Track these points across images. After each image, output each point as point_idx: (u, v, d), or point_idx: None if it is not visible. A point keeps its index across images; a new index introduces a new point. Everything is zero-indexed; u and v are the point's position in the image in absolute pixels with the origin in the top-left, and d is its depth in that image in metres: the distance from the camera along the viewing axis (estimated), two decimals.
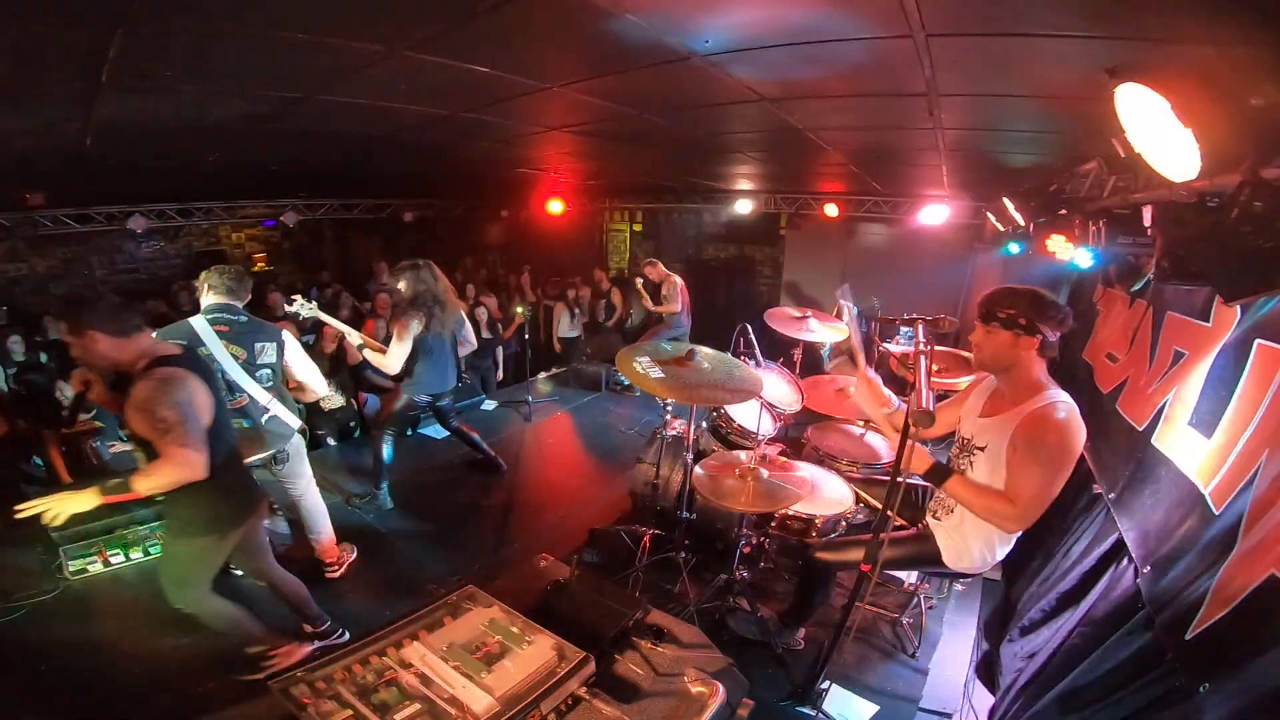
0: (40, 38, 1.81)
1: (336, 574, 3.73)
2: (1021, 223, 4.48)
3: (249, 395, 3.22)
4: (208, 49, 2.04)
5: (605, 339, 8.25)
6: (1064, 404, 2.13)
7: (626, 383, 7.12)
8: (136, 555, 3.77)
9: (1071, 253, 3.85)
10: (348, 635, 3.22)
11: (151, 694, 2.84)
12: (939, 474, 2.23)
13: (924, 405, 1.68)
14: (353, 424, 5.72)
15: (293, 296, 4.24)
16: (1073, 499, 3.12)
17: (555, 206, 8.87)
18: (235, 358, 3.16)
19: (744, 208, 7.97)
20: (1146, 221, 2.87)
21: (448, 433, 4.95)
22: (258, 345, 3.24)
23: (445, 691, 1.43)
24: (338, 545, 3.79)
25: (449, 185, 8.23)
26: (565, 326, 8.40)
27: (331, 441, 5.56)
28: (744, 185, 7.66)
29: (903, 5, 1.86)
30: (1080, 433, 2.11)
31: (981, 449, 2.27)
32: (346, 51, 2.20)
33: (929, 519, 2.56)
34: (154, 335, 2.85)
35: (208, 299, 3.25)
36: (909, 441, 1.98)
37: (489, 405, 6.57)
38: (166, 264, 8.79)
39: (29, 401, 4.92)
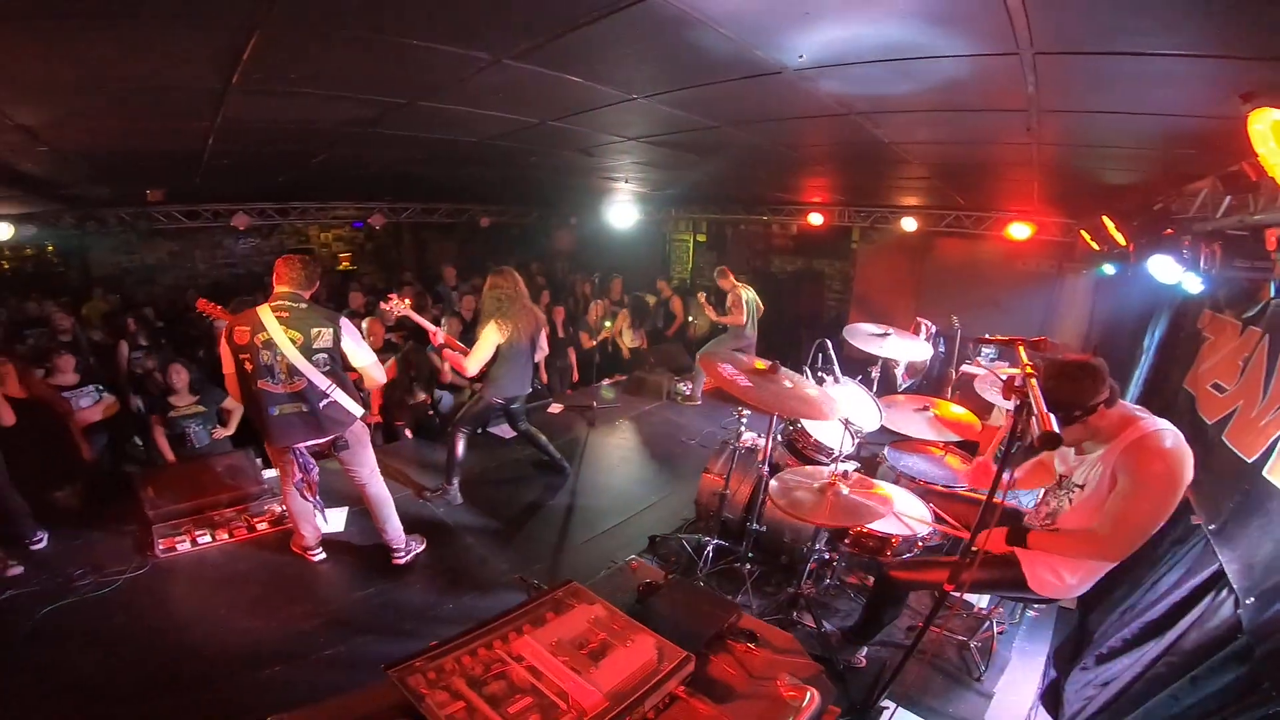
0: (184, 39, 1.96)
1: (402, 561, 3.84)
2: (1122, 242, 4.23)
3: (308, 379, 3.30)
4: (332, 53, 2.18)
5: (668, 349, 8.27)
6: (1169, 432, 2.09)
7: (688, 393, 7.12)
8: (223, 536, 3.97)
9: (1178, 275, 3.62)
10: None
11: (218, 673, 2.96)
12: (1018, 538, 2.25)
13: (1050, 427, 1.60)
14: (429, 416, 5.92)
15: (388, 295, 4.46)
16: (1167, 529, 2.98)
17: (622, 215, 8.99)
18: (293, 341, 3.25)
19: (815, 220, 7.85)
20: (1270, 245, 2.71)
21: (516, 433, 5.06)
22: (313, 330, 3.32)
23: (554, 685, 1.46)
24: (407, 536, 3.90)
25: (523, 192, 8.47)
26: (630, 336, 8.47)
27: (409, 434, 5.77)
28: (816, 197, 7.55)
29: (1012, 24, 1.83)
30: (1187, 461, 2.05)
31: (1080, 486, 2.24)
32: (456, 59, 2.31)
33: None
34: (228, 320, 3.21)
35: (276, 286, 3.38)
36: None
37: (555, 408, 6.68)
38: (260, 260, 9.40)
39: (140, 383, 5.32)
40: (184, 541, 3.87)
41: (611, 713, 1.39)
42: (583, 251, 11.43)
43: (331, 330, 3.36)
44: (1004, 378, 1.89)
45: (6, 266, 8.47)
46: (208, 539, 3.93)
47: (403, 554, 3.85)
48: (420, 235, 10.73)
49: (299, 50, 2.12)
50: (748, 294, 6.94)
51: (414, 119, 3.28)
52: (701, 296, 7.20)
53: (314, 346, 3.30)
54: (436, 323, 5.20)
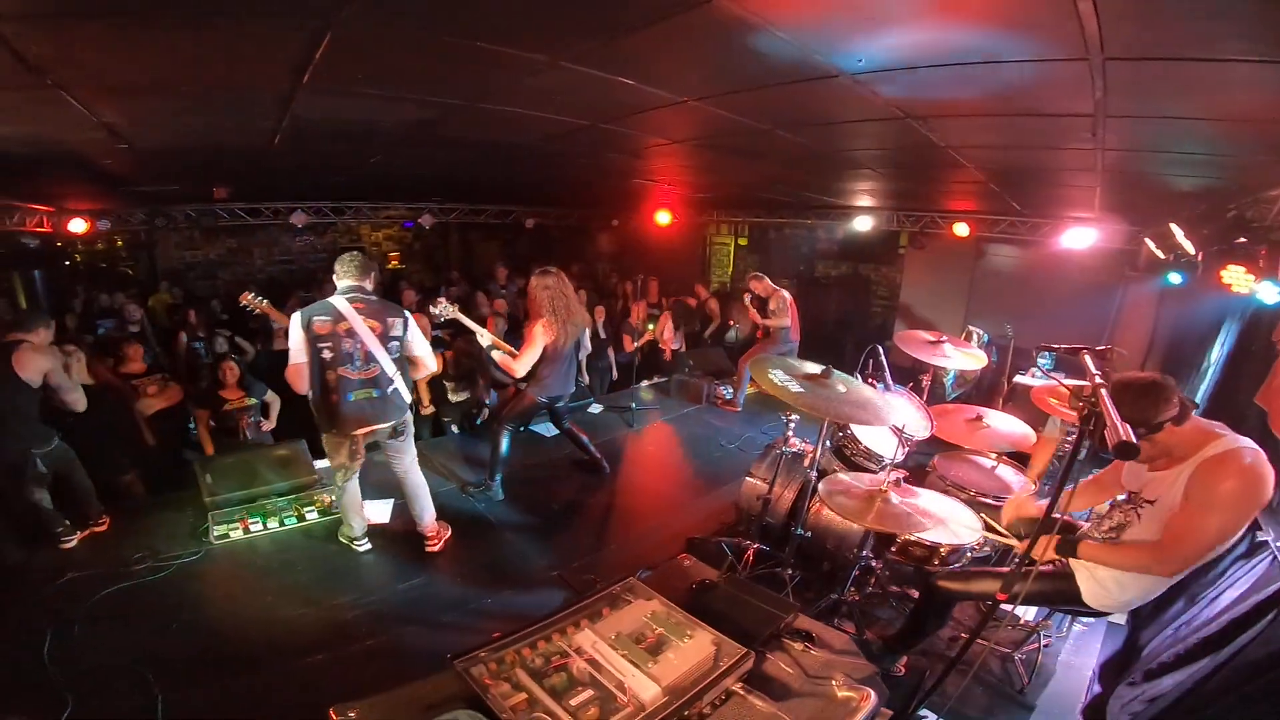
0: (261, 39, 2.04)
1: (435, 548, 3.94)
2: (1191, 250, 4.04)
3: (380, 366, 3.48)
4: (399, 55, 2.24)
5: (707, 352, 8.24)
6: (1249, 449, 2.01)
7: (729, 396, 7.07)
8: (273, 525, 4.08)
9: (1252, 286, 3.45)
10: None
11: (263, 660, 3.04)
12: (1068, 548, 2.21)
13: (1127, 436, 1.55)
14: (474, 412, 6.03)
15: (438, 299, 4.57)
16: (1231, 545, 2.87)
17: (663, 217, 9.00)
18: (372, 330, 3.43)
19: (863, 224, 7.72)
20: None
21: (557, 431, 5.11)
22: (390, 319, 3.52)
23: (614, 678, 1.47)
24: (436, 523, 4.01)
25: (568, 194, 8.56)
26: (671, 338, 8.47)
27: (455, 429, 5.88)
28: (864, 201, 7.43)
29: (1083, 31, 1.79)
30: (1266, 481, 1.97)
31: (1151, 502, 2.17)
32: (515, 61, 2.35)
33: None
34: (301, 311, 3.31)
35: (341, 281, 3.53)
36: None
37: (595, 409, 6.72)
38: (314, 257, 9.72)
39: (195, 374, 5.56)
40: (237, 529, 3.99)
41: (670, 707, 1.40)
42: (624, 253, 11.48)
43: (402, 320, 3.58)
44: (1069, 388, 1.84)
45: (80, 260, 8.97)
46: (259, 527, 4.04)
47: (436, 542, 3.96)
48: (466, 235, 10.95)
49: (368, 51, 2.19)
50: (789, 296, 6.84)
51: (471, 120, 3.35)
52: (746, 298, 7.11)
53: (390, 335, 3.51)
54: (483, 322, 5.30)
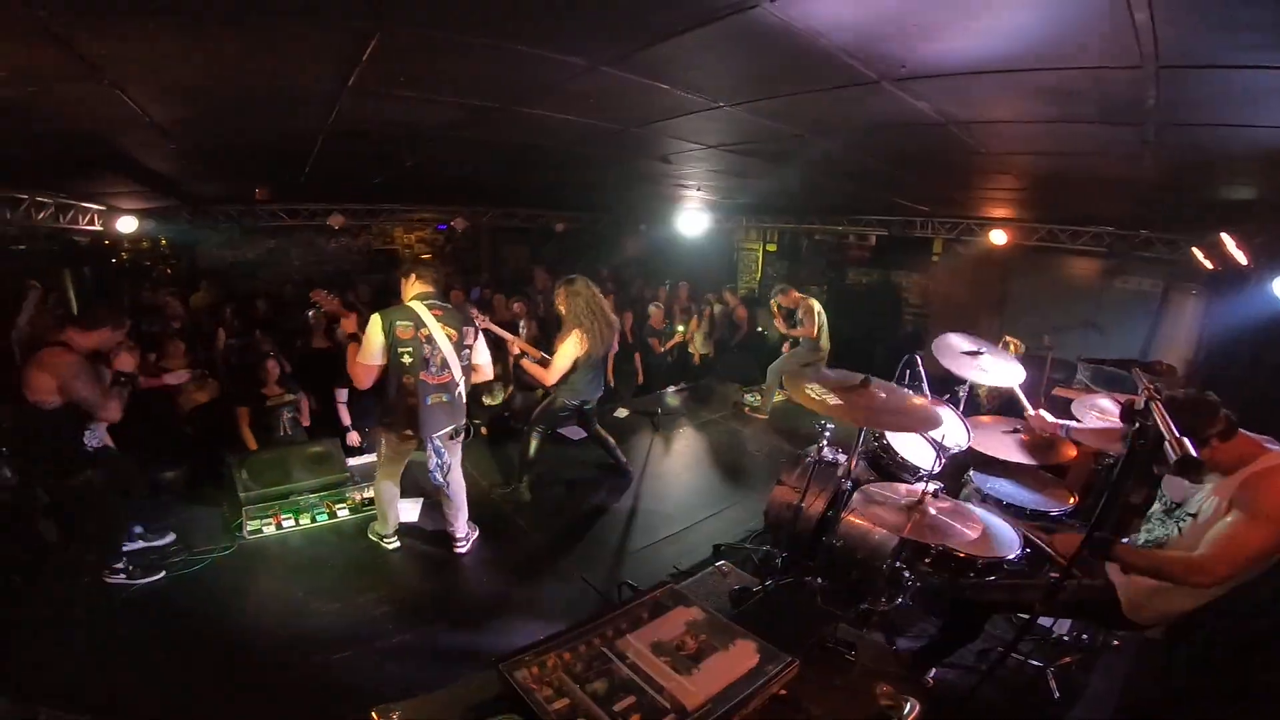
0: (310, 39, 2.07)
1: (464, 550, 3.99)
2: (1243, 261, 3.91)
3: (453, 372, 3.58)
4: (443, 57, 2.27)
5: (735, 359, 8.19)
6: None
7: (755, 404, 7.02)
8: (305, 521, 4.16)
9: None
10: None
11: (292, 655, 3.09)
12: (1102, 547, 2.15)
13: (1189, 451, 1.50)
14: (505, 415, 6.08)
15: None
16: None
17: (692, 223, 8.98)
18: (449, 338, 3.54)
19: (894, 231, 7.61)
20: None
21: (584, 435, 5.11)
22: (465, 328, 3.65)
23: (657, 685, 1.47)
24: (467, 525, 4.06)
25: (596, 198, 8.59)
26: (699, 344, 8.44)
27: (484, 432, 5.94)
28: (898, 208, 7.32)
29: (1138, 39, 1.74)
30: None
31: (1193, 515, 2.12)
32: (556, 65, 2.36)
33: (1112, 570, 2.39)
34: (382, 314, 3.43)
35: (415, 288, 3.65)
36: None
37: (622, 413, 6.72)
38: (349, 259, 9.91)
39: (237, 372, 5.69)
40: (270, 524, 4.07)
41: (715, 714, 1.39)
42: (651, 258, 11.49)
43: (473, 329, 3.74)
44: (1122, 401, 1.78)
45: (125, 258, 9.27)
46: (291, 523, 4.12)
47: (464, 544, 4.00)
48: (496, 238, 11.07)
49: (413, 53, 2.21)
50: (818, 306, 6.77)
51: (507, 123, 3.37)
52: (774, 306, 7.06)
53: (464, 343, 3.64)
54: (514, 326, 5.36)
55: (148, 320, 6.52)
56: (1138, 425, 1.74)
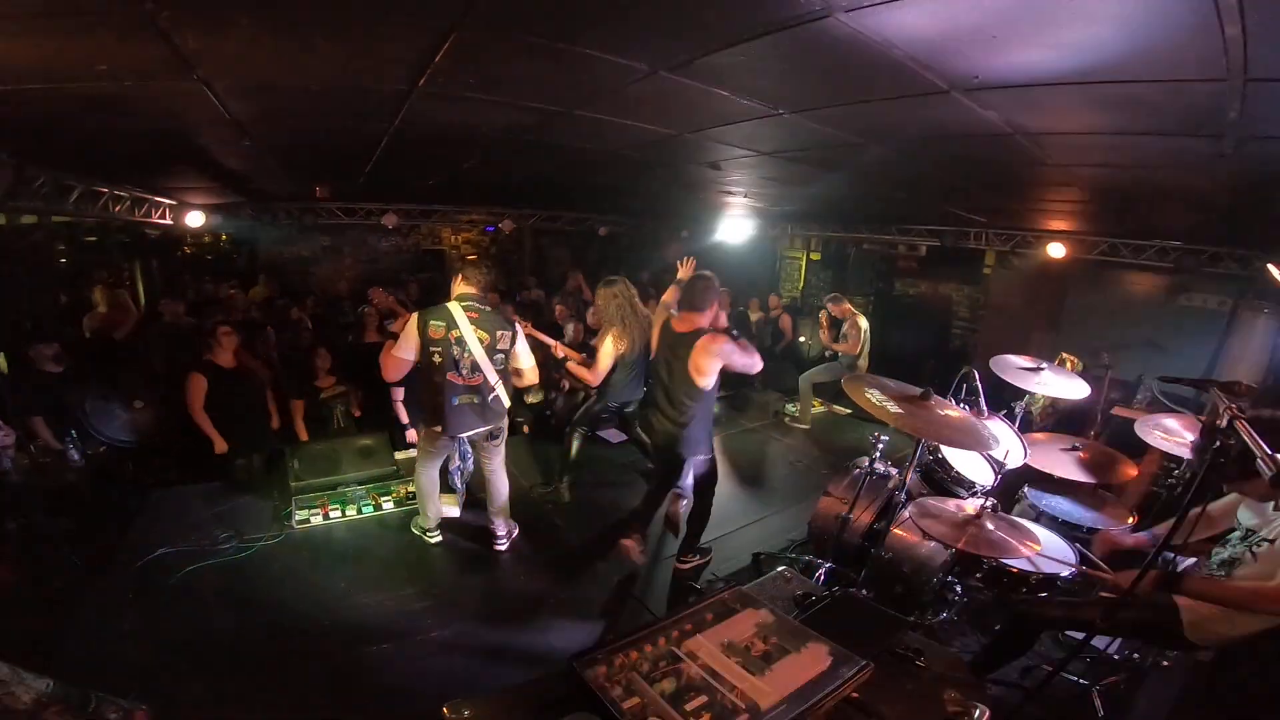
0: (388, 38, 2.12)
1: (503, 547, 4.03)
2: None
3: (485, 375, 3.60)
4: (512, 60, 2.31)
5: (775, 366, 8.09)
6: None
7: (795, 414, 6.93)
8: (351, 512, 4.26)
9: None
10: None
11: (332, 644, 3.16)
12: (1174, 580, 2.15)
13: None
14: (547, 414, 6.15)
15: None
16: None
17: (735, 230, 8.93)
18: (480, 341, 3.55)
19: (946, 241, 7.43)
20: None
21: (624, 437, 5.13)
22: (498, 332, 3.64)
23: (729, 684, 1.46)
24: (507, 523, 4.10)
25: (641, 204, 8.63)
26: None
27: (526, 430, 6.02)
28: (951, 218, 7.15)
29: (1226, 53, 1.68)
30: None
31: (1271, 541, 2.07)
32: (619, 69, 2.37)
33: None
34: (420, 312, 3.50)
35: (461, 288, 3.67)
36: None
37: None
38: (399, 258, 10.16)
39: (290, 365, 5.87)
40: (318, 514, 4.18)
41: (789, 714, 1.38)
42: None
43: (510, 334, 3.70)
44: (1204, 419, 1.72)
45: (190, 251, 9.70)
46: (338, 514, 4.23)
47: (503, 541, 4.04)
48: (539, 241, 11.22)
49: (485, 55, 2.25)
50: (865, 324, 6.64)
51: (564, 127, 3.41)
52: (823, 316, 6.96)
53: (496, 347, 3.63)
54: (555, 333, 5.42)
55: (209, 312, 6.80)
56: (1218, 444, 1.68)
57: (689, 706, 1.37)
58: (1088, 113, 2.48)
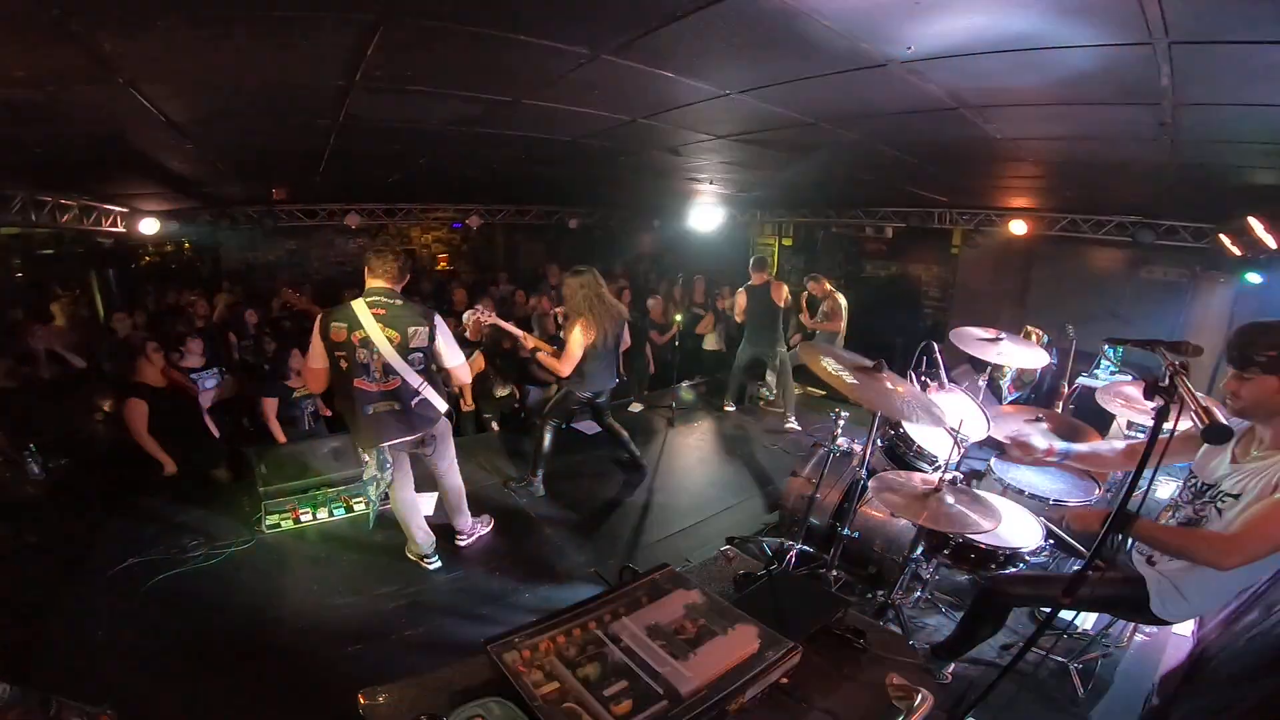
0: (317, 34, 2.08)
1: (464, 544, 3.97)
2: (1273, 246, 3.79)
3: (402, 378, 3.23)
4: (445, 50, 2.28)
5: None
6: None
7: (770, 399, 6.97)
8: (322, 515, 4.18)
9: None
10: None
11: (305, 647, 3.11)
12: (1123, 521, 1.99)
13: (1216, 419, 1.50)
14: (516, 407, 6.10)
15: (477, 306, 4.59)
16: None
17: (706, 218, 8.92)
18: (390, 340, 3.16)
19: (913, 223, 7.50)
20: None
21: (599, 429, 5.11)
22: (410, 329, 3.22)
23: (651, 670, 1.43)
24: (474, 519, 4.03)
25: (609, 195, 8.60)
26: (712, 339, 8.38)
27: (495, 426, 5.97)
28: (916, 200, 7.22)
29: (1144, 11, 1.71)
30: None
31: (1235, 496, 2.03)
32: (558, 55, 2.36)
33: (1139, 562, 2.33)
34: (323, 314, 3.20)
35: (369, 281, 3.26)
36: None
37: (636, 408, 6.72)
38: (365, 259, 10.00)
39: (252, 370, 5.77)
40: (288, 518, 4.10)
41: (710, 700, 1.35)
42: (666, 254, 11.45)
43: (427, 329, 3.29)
44: (1146, 379, 1.76)
45: (149, 260, 9.47)
46: (309, 517, 4.15)
47: (465, 538, 3.97)
48: (512, 237, 11.14)
49: (416, 46, 2.22)
50: (844, 301, 6.73)
51: (515, 117, 3.37)
52: (803, 298, 7.01)
53: (410, 346, 3.23)
54: (525, 326, 5.36)
55: (170, 322, 6.64)
56: (1163, 403, 1.69)
57: (608, 692, 1.35)
58: (1026, 82, 2.50)
